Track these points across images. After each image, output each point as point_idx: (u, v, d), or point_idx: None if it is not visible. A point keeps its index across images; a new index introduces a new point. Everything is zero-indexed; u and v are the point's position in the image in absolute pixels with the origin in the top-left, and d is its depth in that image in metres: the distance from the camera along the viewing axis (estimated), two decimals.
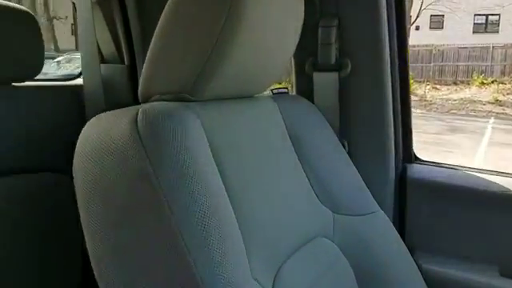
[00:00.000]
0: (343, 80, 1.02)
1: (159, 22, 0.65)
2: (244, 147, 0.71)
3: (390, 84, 1.02)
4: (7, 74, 1.05)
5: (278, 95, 0.95)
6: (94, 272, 0.57)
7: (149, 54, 0.67)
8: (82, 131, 0.61)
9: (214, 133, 0.65)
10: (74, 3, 1.22)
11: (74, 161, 0.60)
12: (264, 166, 0.74)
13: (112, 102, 1.25)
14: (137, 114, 0.57)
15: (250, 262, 0.61)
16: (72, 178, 0.61)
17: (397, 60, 1.04)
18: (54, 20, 11.08)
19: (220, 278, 0.52)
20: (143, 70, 0.68)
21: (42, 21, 11.69)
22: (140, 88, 0.69)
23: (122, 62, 1.30)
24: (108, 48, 1.31)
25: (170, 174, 0.53)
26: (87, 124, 0.62)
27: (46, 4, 11.63)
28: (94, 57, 1.21)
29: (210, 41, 0.62)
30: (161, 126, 0.56)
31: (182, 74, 0.65)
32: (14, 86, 1.09)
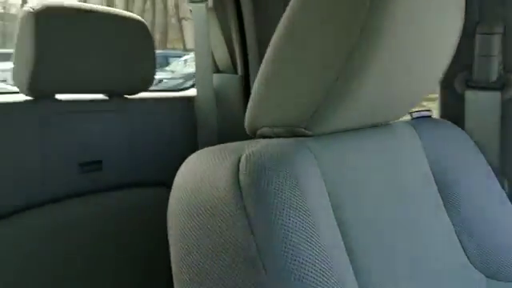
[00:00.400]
0: (506, 102, 0.79)
1: (272, 38, 0.52)
2: (372, 194, 0.55)
3: None
4: (120, 87, 1.02)
5: (418, 120, 0.76)
6: None
7: (259, 76, 0.53)
8: (179, 172, 0.51)
9: (334, 174, 0.51)
10: (190, 10, 1.16)
11: (169, 209, 0.50)
12: (398, 218, 0.57)
13: (224, 114, 1.18)
14: (240, 158, 0.44)
15: None
16: None
17: None
18: (183, 21, 11.79)
19: None
20: (251, 95, 0.55)
21: (172, 21, 12.53)
22: (247, 117, 0.56)
23: (236, 71, 1.21)
24: (222, 57, 1.23)
25: (279, 258, 0.39)
26: (184, 163, 0.51)
27: (176, 6, 12.42)
28: (207, 66, 1.14)
29: (338, 60, 0.47)
30: (268, 182, 0.42)
31: (299, 103, 0.51)
32: (126, 98, 1.06)
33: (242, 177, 0.42)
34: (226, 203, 0.42)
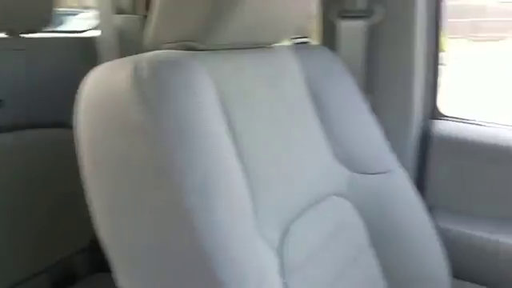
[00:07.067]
0: (371, 29, 0.94)
1: None
2: (256, 99, 0.66)
3: (421, 36, 0.93)
4: (15, 25, 1.01)
5: (298, 45, 0.88)
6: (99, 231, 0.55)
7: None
8: (83, 82, 0.56)
9: (223, 83, 0.60)
10: None
11: (76, 114, 0.56)
12: (277, 120, 0.69)
13: (127, 54, 1.20)
14: (139, 62, 0.52)
15: (258, 218, 0.58)
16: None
17: (430, 10, 0.96)
18: None
19: (222, 235, 0.49)
20: (152, 17, 0.63)
21: None
22: (147, 37, 0.64)
23: (139, 12, 1.24)
24: None
25: (169, 130, 0.49)
26: (89, 75, 0.57)
27: None
28: (108, 6, 1.16)
29: None
30: (163, 76, 0.51)
31: (190, 20, 0.59)
32: (23, 37, 1.05)
33: (140, 73, 0.50)
34: (126, 95, 0.49)
